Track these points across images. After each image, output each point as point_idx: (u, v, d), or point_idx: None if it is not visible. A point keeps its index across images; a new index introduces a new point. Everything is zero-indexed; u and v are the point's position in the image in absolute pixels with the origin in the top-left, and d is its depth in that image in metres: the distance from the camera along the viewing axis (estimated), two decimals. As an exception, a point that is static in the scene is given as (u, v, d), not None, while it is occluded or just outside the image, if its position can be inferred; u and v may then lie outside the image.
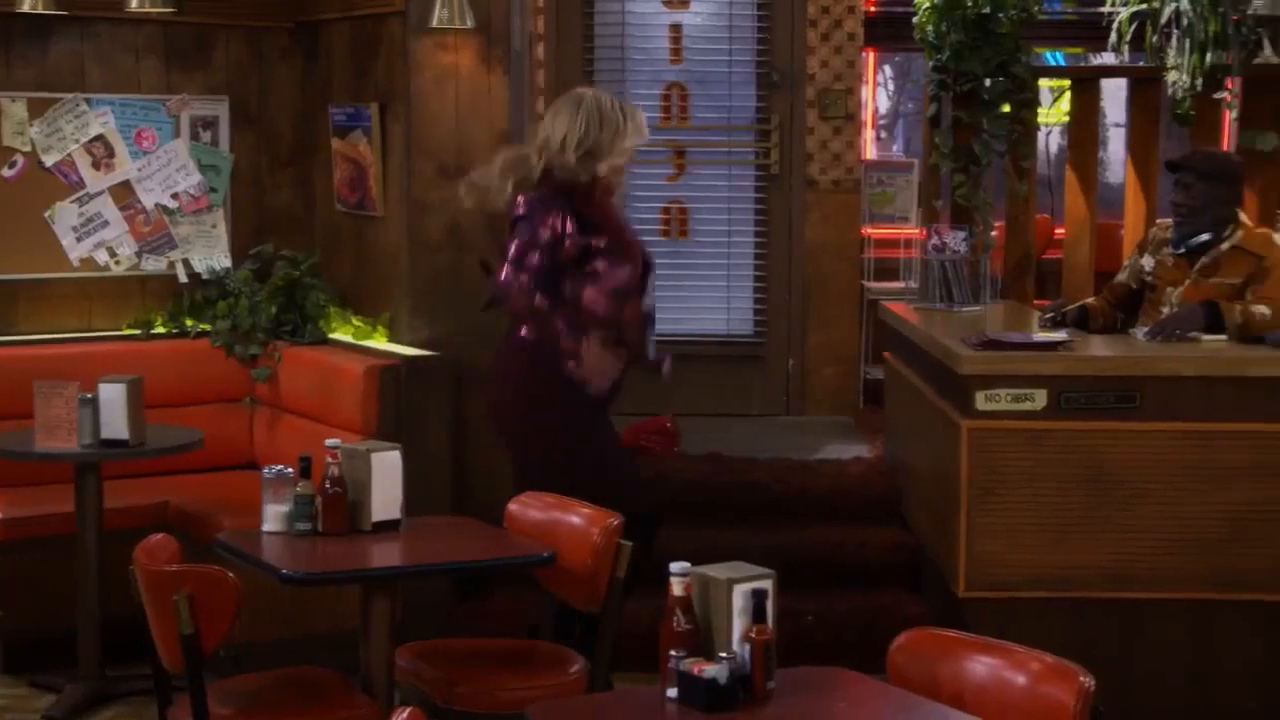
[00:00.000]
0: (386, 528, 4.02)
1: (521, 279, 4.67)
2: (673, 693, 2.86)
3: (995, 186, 7.05)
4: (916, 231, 7.63)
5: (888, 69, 13.21)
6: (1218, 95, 6.63)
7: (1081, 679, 2.75)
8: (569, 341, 4.73)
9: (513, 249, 4.71)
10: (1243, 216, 5.54)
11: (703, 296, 7.88)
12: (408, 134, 5.94)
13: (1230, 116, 7.06)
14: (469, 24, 5.71)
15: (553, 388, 4.78)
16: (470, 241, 5.87)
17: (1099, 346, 5.23)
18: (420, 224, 5.93)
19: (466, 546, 4.18)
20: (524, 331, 4.80)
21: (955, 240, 6.28)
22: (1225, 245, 5.43)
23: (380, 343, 6.08)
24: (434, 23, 5.70)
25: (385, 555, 3.98)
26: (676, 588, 2.91)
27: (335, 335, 6.18)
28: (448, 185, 5.83)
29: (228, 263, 6.44)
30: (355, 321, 6.18)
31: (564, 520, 4.12)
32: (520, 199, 4.75)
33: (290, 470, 4.01)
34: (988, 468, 4.87)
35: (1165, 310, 5.46)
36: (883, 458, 6.67)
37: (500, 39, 5.84)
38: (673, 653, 2.88)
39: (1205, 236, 5.43)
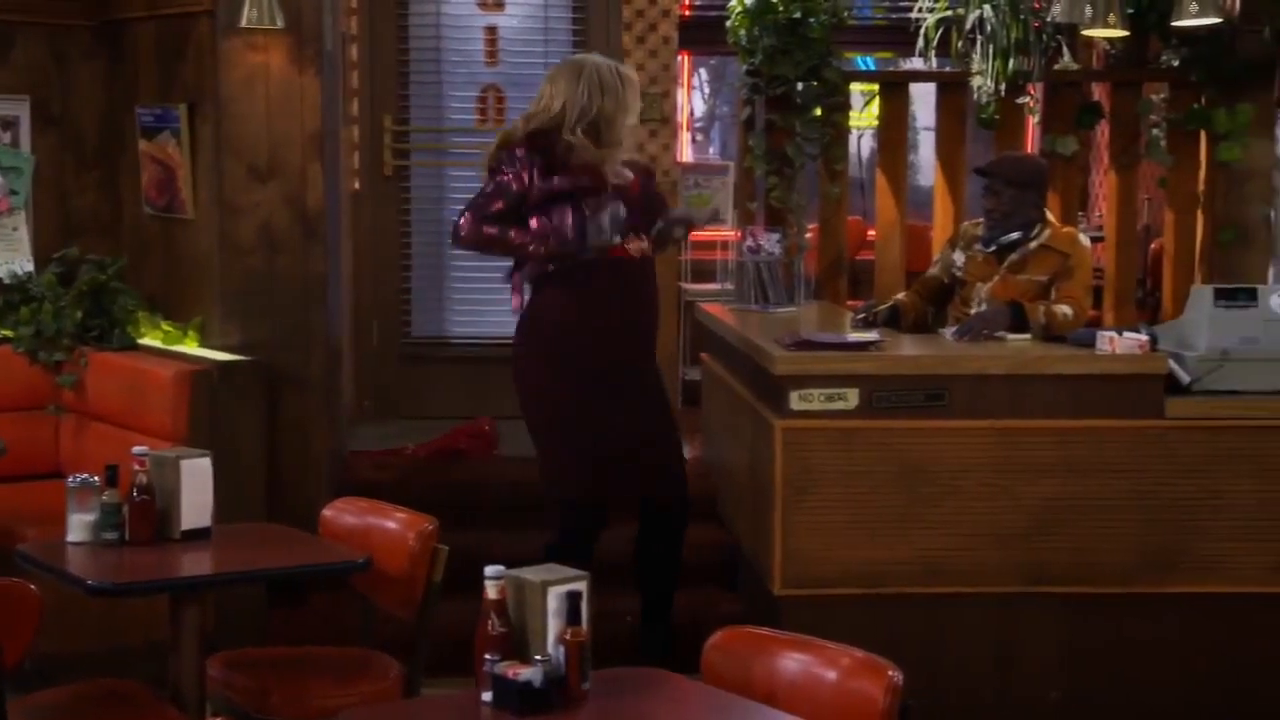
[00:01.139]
0: (196, 536, 3.95)
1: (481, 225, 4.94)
2: (487, 696, 2.86)
3: (809, 189, 7.14)
4: (732, 233, 7.70)
5: (703, 72, 13.31)
6: (1020, 100, 6.81)
7: (890, 673, 2.79)
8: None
9: (477, 196, 4.98)
10: (1049, 216, 5.70)
11: (521, 299, 7.86)
12: (218, 135, 5.84)
13: (1033, 121, 7.25)
14: (279, 24, 5.63)
15: (519, 348, 5.07)
16: (282, 243, 5.80)
17: (909, 346, 5.32)
18: (232, 226, 5.83)
19: (279, 554, 4.12)
20: (514, 305, 5.06)
21: (769, 242, 6.35)
22: (1033, 244, 5.57)
23: (191, 348, 5.96)
24: (243, 22, 5.60)
25: (195, 564, 3.91)
26: (490, 591, 2.91)
27: (144, 341, 6.04)
28: (259, 187, 5.75)
29: (30, 267, 6.26)
30: (165, 326, 6.05)
31: (379, 525, 4.10)
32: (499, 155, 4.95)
33: (96, 479, 3.92)
34: (802, 467, 4.93)
35: (974, 307, 5.59)
36: (700, 458, 6.71)
37: (312, 39, 5.77)
38: (487, 656, 2.87)
39: (1015, 235, 5.57)
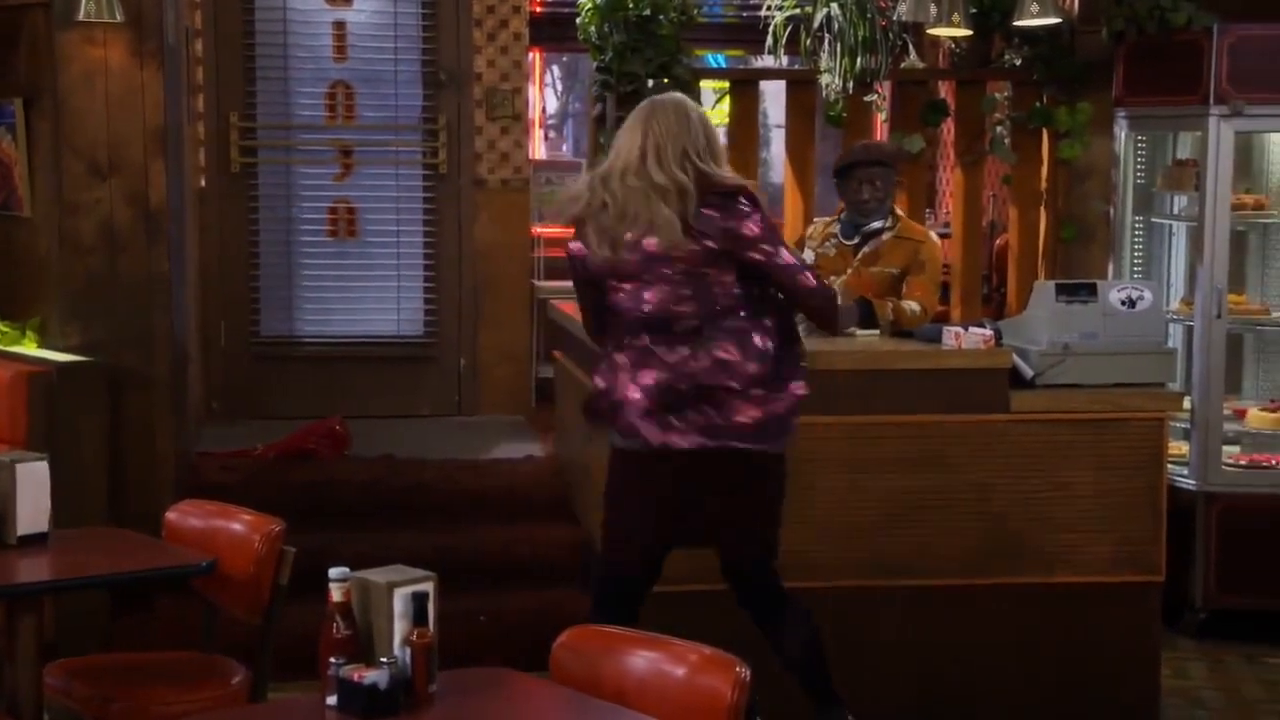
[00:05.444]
0: (33, 541, 3.86)
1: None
2: (333, 700, 2.81)
3: (660, 186, 7.14)
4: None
5: (555, 69, 13.29)
6: (868, 98, 6.87)
7: (738, 669, 2.80)
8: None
9: (788, 255, 4.25)
10: (898, 209, 5.80)
11: (372, 297, 7.81)
12: (56, 131, 5.71)
13: (880, 119, 7.33)
14: (118, 17, 5.51)
15: None
16: (124, 242, 5.69)
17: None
18: (71, 225, 5.70)
19: (120, 558, 4.03)
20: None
21: (621, 239, 6.34)
22: (887, 235, 5.65)
23: (30, 349, 5.81)
24: (81, 15, 5.47)
25: (31, 570, 3.80)
26: (335, 593, 2.87)
27: (-20, 342, 5.89)
28: (99, 185, 5.64)
29: None
30: (2, 327, 5.90)
31: (225, 527, 4.03)
32: (750, 216, 4.17)
33: (-74, 485, 3.80)
34: (653, 463, 4.92)
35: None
36: (554, 456, 6.70)
37: (153, 33, 5.66)
38: (332, 659, 2.83)
39: (879, 223, 5.65)
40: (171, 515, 4.18)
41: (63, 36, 5.62)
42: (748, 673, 2.79)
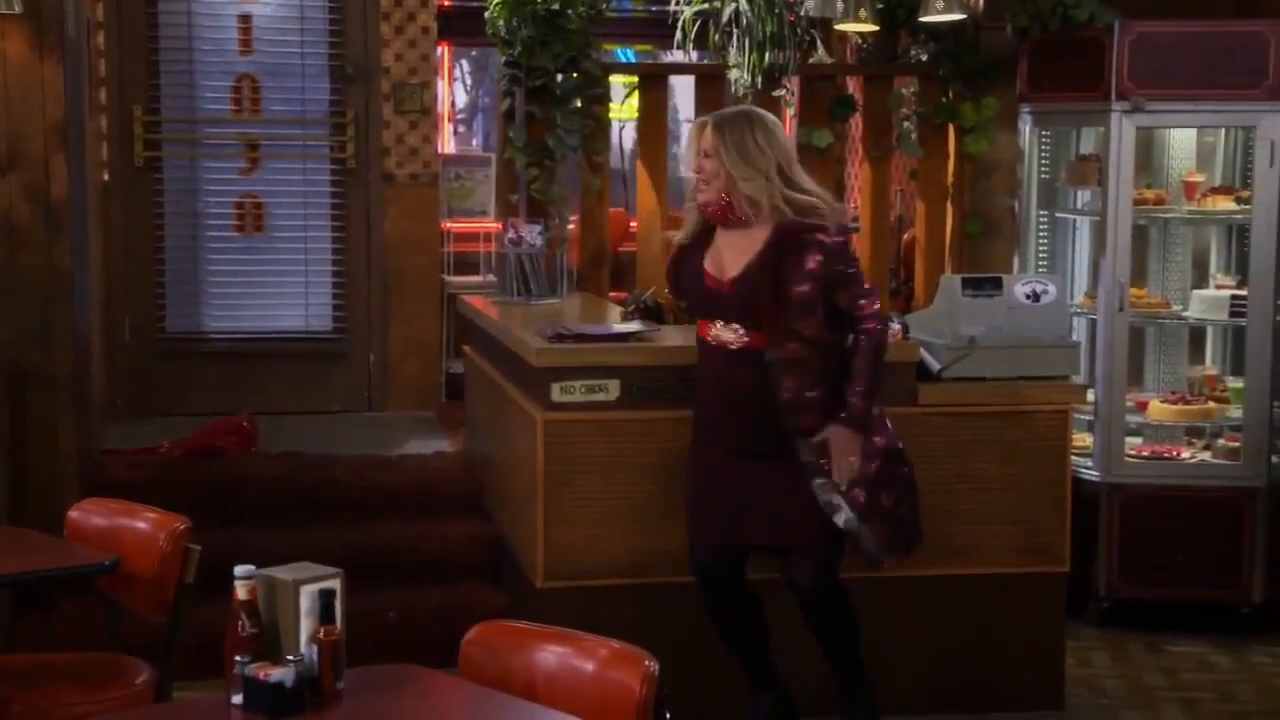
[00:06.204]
0: (-70, 543, 3.79)
1: None
2: (238, 698, 2.80)
3: (570, 181, 7.15)
4: (495, 225, 7.68)
5: (465, 63, 13.24)
6: (776, 93, 6.89)
7: (647, 663, 2.80)
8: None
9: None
10: None
11: (280, 293, 7.75)
12: (-48, 125, 5.61)
13: (789, 113, 7.35)
14: (16, 8, 5.43)
15: None
16: (24, 238, 5.60)
17: (671, 337, 5.35)
18: (-31, 220, 5.61)
19: (19, 558, 3.97)
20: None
21: (531, 234, 6.34)
22: None
23: (-72, 346, 5.72)
24: (-21, 6, 5.40)
25: (-71, 571, 3.75)
26: (241, 591, 2.85)
27: (-124, 339, 5.78)
28: (-2, 179, 5.55)
29: None
30: (-101, 324, 5.80)
31: (129, 526, 3.98)
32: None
33: None
34: (564, 459, 4.93)
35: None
36: (464, 451, 6.68)
37: (53, 25, 5.58)
38: (238, 658, 2.81)
39: None
40: (74, 514, 4.12)
41: (-41, 28, 5.53)
42: (656, 666, 2.80)
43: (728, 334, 4.51)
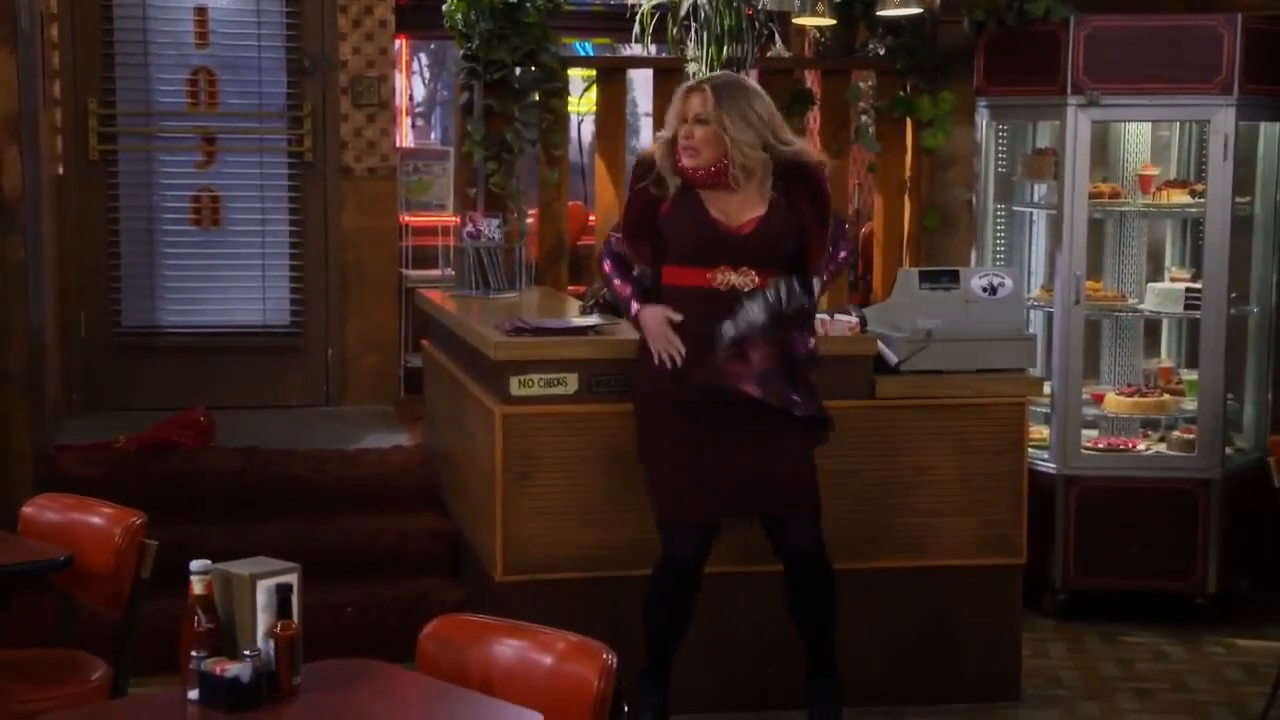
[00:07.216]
0: (-118, 539, 3.76)
1: None
2: (194, 694, 2.79)
3: (529, 174, 7.14)
4: (454, 219, 7.66)
5: (423, 57, 13.20)
6: (735, 87, 6.89)
7: (604, 656, 2.81)
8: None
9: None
10: None
11: (237, 286, 7.71)
12: (-96, 117, 5.57)
13: (748, 107, 7.33)
14: (-31, 1, 5.39)
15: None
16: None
17: (629, 330, 5.34)
18: (-78, 213, 5.57)
19: (-28, 554, 3.94)
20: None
21: (490, 227, 6.33)
22: None
23: (-120, 341, 5.68)
24: (-69, -2, 5.35)
25: (-119, 568, 3.72)
26: (197, 586, 2.84)
27: None
28: (-48, 173, 5.50)
29: None
30: None
31: (84, 521, 3.96)
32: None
33: None
34: (522, 452, 4.93)
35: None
36: (423, 445, 6.67)
37: (6, 17, 5.53)
38: (194, 653, 2.80)
39: None
40: (28, 510, 4.09)
41: (-89, 20, 5.48)
42: (614, 659, 2.80)
43: (738, 278, 4.57)
